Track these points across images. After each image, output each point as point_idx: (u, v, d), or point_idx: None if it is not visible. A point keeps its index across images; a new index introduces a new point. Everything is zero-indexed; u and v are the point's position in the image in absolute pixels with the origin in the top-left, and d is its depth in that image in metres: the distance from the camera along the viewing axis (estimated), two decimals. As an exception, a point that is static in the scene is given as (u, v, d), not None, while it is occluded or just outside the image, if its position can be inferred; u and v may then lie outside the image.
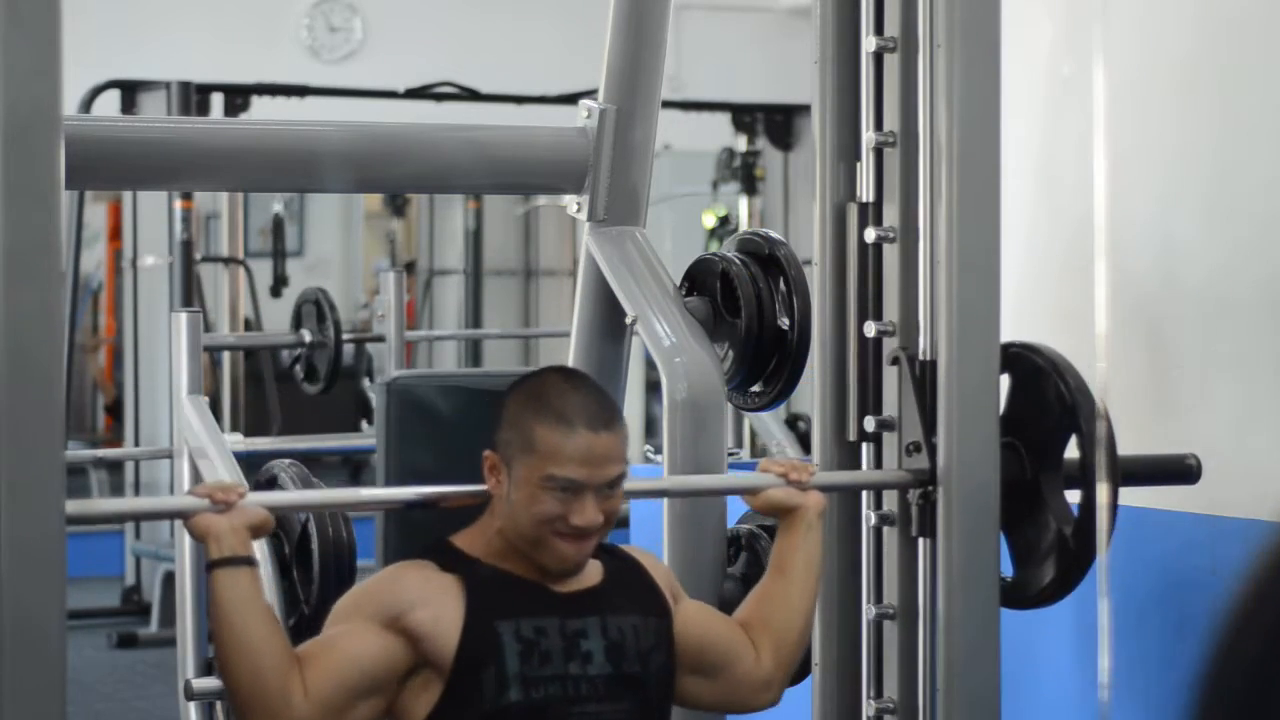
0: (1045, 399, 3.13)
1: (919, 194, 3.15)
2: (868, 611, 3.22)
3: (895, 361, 3.15)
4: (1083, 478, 3.09)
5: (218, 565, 2.71)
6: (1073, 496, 3.13)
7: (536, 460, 2.82)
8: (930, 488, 3.09)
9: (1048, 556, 3.11)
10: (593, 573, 2.92)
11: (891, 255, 3.20)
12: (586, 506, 2.82)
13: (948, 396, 3.07)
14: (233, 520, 2.72)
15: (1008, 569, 3.16)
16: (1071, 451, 3.12)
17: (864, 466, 3.25)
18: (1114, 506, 3.16)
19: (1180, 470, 3.34)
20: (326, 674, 2.76)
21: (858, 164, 3.26)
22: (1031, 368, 3.15)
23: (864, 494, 3.24)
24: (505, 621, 2.83)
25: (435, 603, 2.82)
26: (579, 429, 2.81)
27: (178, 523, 4.13)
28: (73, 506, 2.55)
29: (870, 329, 3.21)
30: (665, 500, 3.51)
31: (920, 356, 3.13)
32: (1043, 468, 3.13)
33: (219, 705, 3.92)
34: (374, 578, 2.93)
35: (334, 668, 2.77)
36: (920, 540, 3.14)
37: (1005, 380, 3.15)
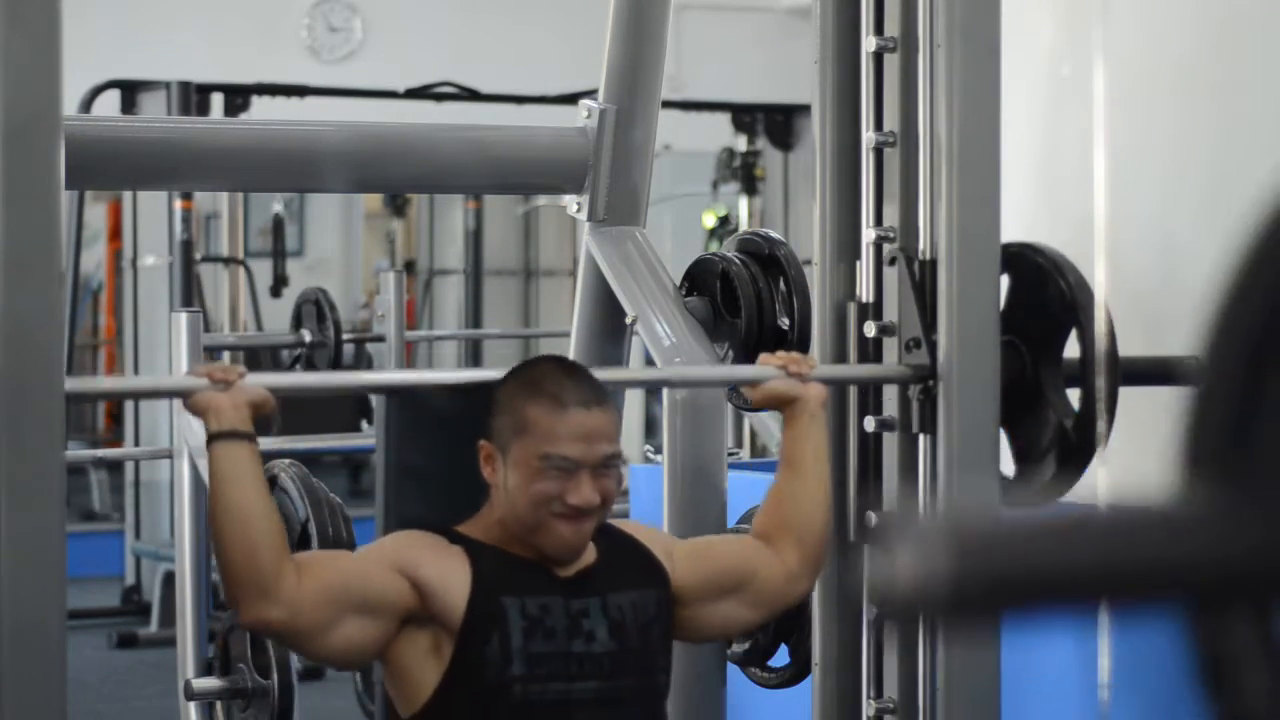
0: (1046, 296, 3.12)
1: (919, 194, 3.16)
2: (868, 611, 3.22)
3: (894, 262, 3.15)
4: (1083, 372, 3.08)
5: (217, 439, 2.70)
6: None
7: (531, 441, 2.83)
8: (930, 383, 3.09)
9: (1049, 451, 3.11)
10: (588, 554, 2.93)
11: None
12: (583, 485, 2.83)
13: (947, 292, 3.07)
14: (233, 397, 2.71)
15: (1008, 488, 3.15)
16: (1072, 351, 3.12)
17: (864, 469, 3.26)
18: (1114, 400, 3.14)
19: (1182, 371, 3.32)
20: (325, 574, 2.75)
21: (858, 164, 3.26)
22: (1032, 266, 3.15)
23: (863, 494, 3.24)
24: (510, 597, 2.84)
25: (444, 567, 2.83)
26: (571, 407, 2.83)
27: (177, 522, 4.14)
28: (72, 384, 2.59)
29: (870, 329, 3.21)
30: (665, 499, 3.52)
31: (920, 257, 3.13)
32: (1043, 363, 3.13)
33: (219, 705, 3.92)
34: (385, 537, 2.95)
35: (333, 571, 2.77)
36: (920, 438, 3.14)
37: (1005, 281, 3.14)
